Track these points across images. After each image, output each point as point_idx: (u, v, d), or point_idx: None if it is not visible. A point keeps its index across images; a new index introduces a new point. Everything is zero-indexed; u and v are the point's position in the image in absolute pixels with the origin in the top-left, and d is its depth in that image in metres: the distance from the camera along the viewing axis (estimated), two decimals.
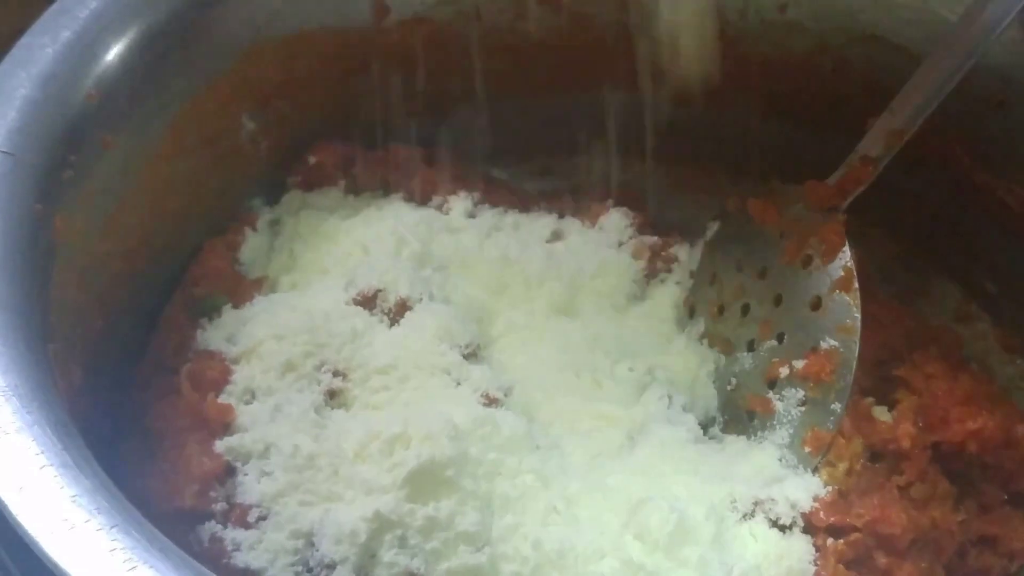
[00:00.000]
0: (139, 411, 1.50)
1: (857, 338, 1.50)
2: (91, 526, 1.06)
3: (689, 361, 1.67)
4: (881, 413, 1.54)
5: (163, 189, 1.60)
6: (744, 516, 1.44)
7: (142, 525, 1.09)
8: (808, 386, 1.52)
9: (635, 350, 1.66)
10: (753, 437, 1.56)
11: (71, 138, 1.43)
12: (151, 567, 1.04)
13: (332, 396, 1.48)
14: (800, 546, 1.42)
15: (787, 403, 1.54)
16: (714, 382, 1.65)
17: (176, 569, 1.04)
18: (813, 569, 1.40)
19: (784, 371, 1.54)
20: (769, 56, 1.80)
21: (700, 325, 1.70)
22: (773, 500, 1.45)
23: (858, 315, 1.51)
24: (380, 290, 1.55)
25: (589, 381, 1.59)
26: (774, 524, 1.44)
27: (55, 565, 1.04)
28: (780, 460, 1.51)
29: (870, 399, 1.55)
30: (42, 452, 1.11)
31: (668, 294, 1.76)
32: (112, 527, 1.07)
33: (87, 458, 1.15)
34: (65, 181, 1.41)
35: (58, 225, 1.37)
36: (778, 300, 1.60)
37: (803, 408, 1.52)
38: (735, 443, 1.57)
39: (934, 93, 1.52)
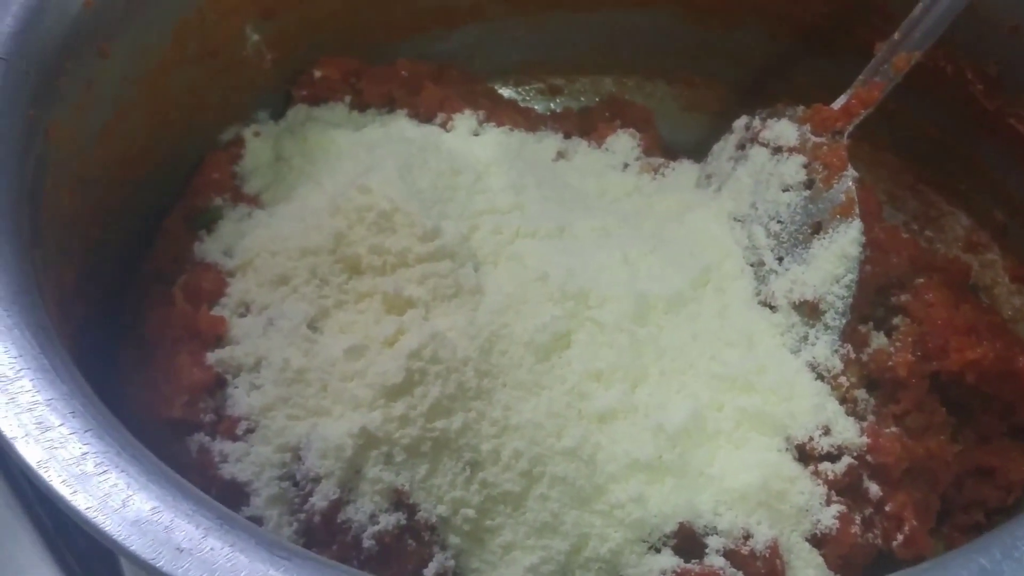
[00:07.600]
0: (135, 320, 1.51)
1: (856, 265, 1.49)
2: (64, 430, 1.07)
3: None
4: (879, 340, 1.52)
5: (164, 100, 1.60)
6: (745, 429, 1.43)
7: (117, 430, 1.10)
8: (804, 311, 1.50)
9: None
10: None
11: (67, 45, 1.42)
12: (122, 471, 1.05)
13: (323, 311, 1.46)
14: (788, 468, 1.41)
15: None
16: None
17: (146, 474, 1.05)
18: (800, 494, 1.40)
19: (781, 300, 1.52)
20: None
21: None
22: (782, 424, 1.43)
23: (859, 241, 1.49)
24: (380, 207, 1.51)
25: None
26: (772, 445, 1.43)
27: (27, 467, 1.05)
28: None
29: (869, 325, 1.53)
30: (20, 356, 1.12)
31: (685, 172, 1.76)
32: (86, 431, 1.08)
33: (66, 363, 1.15)
34: (60, 88, 1.41)
35: (51, 132, 1.37)
36: (780, 222, 1.58)
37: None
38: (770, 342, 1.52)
39: (942, 18, 1.50)
